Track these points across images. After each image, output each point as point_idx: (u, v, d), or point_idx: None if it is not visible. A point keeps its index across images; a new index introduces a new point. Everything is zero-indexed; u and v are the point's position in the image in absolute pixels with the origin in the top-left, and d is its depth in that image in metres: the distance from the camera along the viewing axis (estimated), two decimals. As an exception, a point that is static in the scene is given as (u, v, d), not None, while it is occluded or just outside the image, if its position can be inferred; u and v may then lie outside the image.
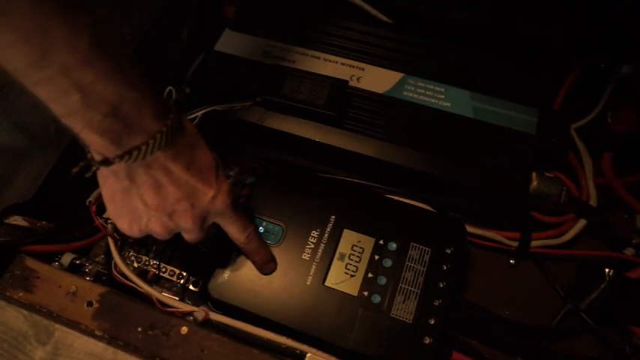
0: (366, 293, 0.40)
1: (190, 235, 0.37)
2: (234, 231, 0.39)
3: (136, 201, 0.33)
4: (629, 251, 0.46)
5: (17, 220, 0.45)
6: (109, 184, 0.34)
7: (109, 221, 0.45)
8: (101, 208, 0.47)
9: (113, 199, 0.34)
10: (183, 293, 0.44)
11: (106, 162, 0.30)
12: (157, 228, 0.35)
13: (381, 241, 0.42)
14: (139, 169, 0.32)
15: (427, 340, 0.38)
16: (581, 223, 0.47)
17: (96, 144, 0.29)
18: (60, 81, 0.26)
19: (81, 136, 0.29)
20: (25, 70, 0.25)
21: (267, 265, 0.41)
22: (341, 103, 0.48)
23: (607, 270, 0.43)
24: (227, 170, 0.48)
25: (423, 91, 0.50)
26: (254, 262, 0.41)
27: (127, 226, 0.35)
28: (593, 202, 0.48)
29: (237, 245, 0.40)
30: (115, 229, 0.45)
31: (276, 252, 0.42)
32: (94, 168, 0.31)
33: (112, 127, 0.28)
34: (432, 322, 0.39)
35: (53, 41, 0.25)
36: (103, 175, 0.34)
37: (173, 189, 0.33)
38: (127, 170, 0.32)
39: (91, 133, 0.28)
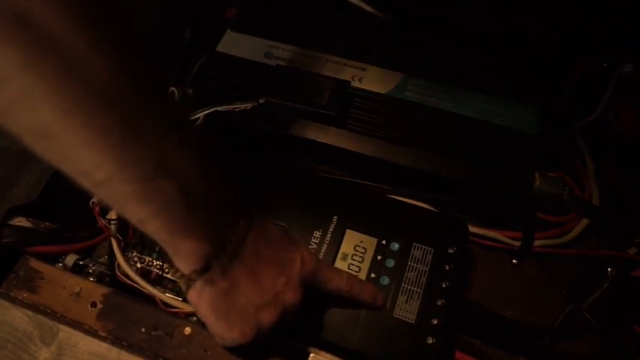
0: (368, 293, 0.40)
1: (297, 310, 0.35)
2: (333, 283, 0.37)
3: (240, 299, 0.32)
4: (631, 250, 0.46)
5: (21, 222, 0.45)
6: (207, 296, 0.32)
7: (112, 222, 0.45)
8: (104, 209, 0.47)
9: (216, 311, 0.32)
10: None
11: (205, 269, 0.30)
12: (268, 318, 0.33)
13: (384, 242, 0.43)
14: (234, 263, 0.31)
15: (430, 340, 0.38)
16: (584, 222, 0.47)
17: (194, 251, 0.29)
18: (168, 189, 0.26)
19: (178, 248, 0.29)
20: (134, 188, 0.25)
21: (378, 299, 0.40)
22: (343, 103, 0.48)
23: (610, 269, 0.43)
24: None
25: (424, 91, 0.50)
26: (365, 303, 0.39)
27: (239, 333, 0.33)
28: (595, 201, 0.48)
29: (342, 296, 0.38)
30: (118, 229, 0.45)
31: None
32: (188, 286, 0.31)
33: (210, 228, 0.29)
34: (435, 322, 0.39)
35: (171, 149, 0.25)
36: (198, 290, 0.31)
37: (267, 272, 0.32)
38: (222, 270, 0.31)
39: (191, 240, 0.29)
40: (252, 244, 0.32)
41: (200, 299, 0.32)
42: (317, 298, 0.40)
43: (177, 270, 0.31)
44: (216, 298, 0.32)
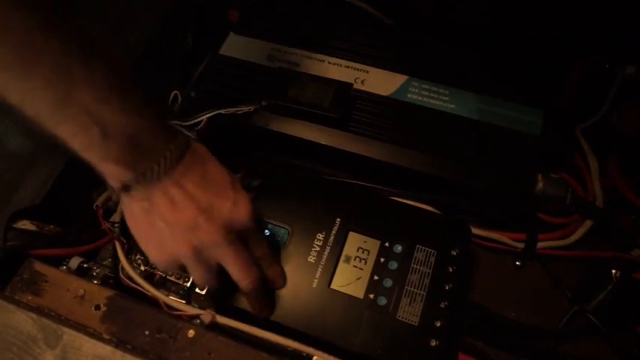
0: (372, 296, 0.40)
1: (226, 256, 0.36)
2: (252, 246, 0.38)
3: (158, 221, 0.34)
4: (635, 252, 0.46)
5: (26, 225, 0.45)
6: (131, 210, 0.34)
7: (116, 225, 0.45)
8: (108, 212, 0.47)
9: (138, 226, 0.35)
10: (189, 296, 0.44)
11: (125, 188, 0.32)
12: (184, 247, 0.34)
13: (387, 244, 0.43)
14: (155, 189, 0.33)
15: (433, 343, 0.38)
16: (588, 224, 0.47)
17: (114, 172, 0.31)
18: (81, 118, 0.28)
19: (99, 168, 0.31)
20: (48, 112, 0.28)
21: (277, 284, 0.41)
22: (345, 105, 0.48)
23: (614, 271, 0.43)
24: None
25: (427, 93, 0.50)
26: (268, 277, 0.40)
27: (156, 252, 0.35)
28: (599, 202, 0.48)
29: (254, 258, 0.39)
30: (122, 232, 0.45)
31: (281, 255, 0.42)
32: (114, 196, 0.33)
33: (129, 155, 0.30)
34: (438, 324, 0.39)
35: (75, 82, 0.27)
36: (125, 204, 0.35)
37: (189, 203, 0.33)
38: (144, 193, 0.33)
39: (109, 162, 0.30)
40: (179, 176, 0.33)
41: (127, 212, 0.35)
42: (318, 300, 0.40)
43: (108, 182, 0.33)
44: (137, 214, 0.34)
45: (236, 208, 0.35)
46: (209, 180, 0.34)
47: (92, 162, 0.31)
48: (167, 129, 0.33)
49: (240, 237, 0.36)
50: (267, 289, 0.40)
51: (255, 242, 0.38)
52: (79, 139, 0.29)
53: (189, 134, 0.36)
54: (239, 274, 0.37)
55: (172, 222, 0.34)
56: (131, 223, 0.35)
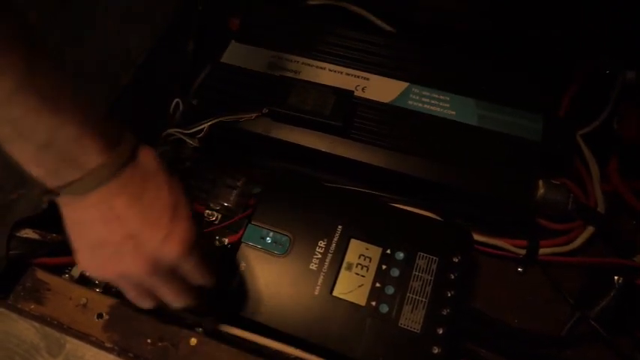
0: (373, 303, 0.40)
1: (153, 287, 0.33)
2: (191, 277, 0.34)
3: (87, 234, 0.31)
4: (638, 258, 0.46)
5: (29, 233, 0.45)
6: (65, 215, 0.32)
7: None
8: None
9: (71, 232, 0.32)
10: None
11: (50, 193, 0.30)
12: (109, 271, 0.32)
13: (389, 251, 0.43)
14: (86, 201, 0.30)
15: (436, 350, 0.38)
16: (589, 229, 0.47)
17: (35, 174, 0.29)
18: None
19: (21, 164, 0.29)
20: None
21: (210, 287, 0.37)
22: (346, 113, 0.48)
23: (616, 277, 0.43)
24: (230, 181, 0.47)
25: (427, 99, 0.51)
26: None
27: (84, 263, 0.32)
28: (600, 208, 0.48)
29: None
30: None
31: (283, 262, 0.42)
32: (44, 198, 0.31)
33: (47, 159, 0.28)
34: (441, 331, 0.39)
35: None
36: (60, 205, 0.32)
37: (117, 225, 0.31)
38: (76, 203, 0.31)
39: (27, 162, 0.29)
40: (110, 195, 0.30)
41: (62, 213, 0.32)
42: (320, 307, 0.40)
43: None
44: (68, 221, 0.32)
45: (167, 242, 0.31)
46: (145, 204, 0.31)
47: (14, 158, 0.29)
48: (105, 138, 0.30)
49: (170, 270, 0.32)
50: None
51: (192, 275, 0.34)
52: None
53: (140, 144, 0.32)
54: (169, 300, 0.34)
55: (99, 240, 0.31)
56: (66, 227, 0.32)
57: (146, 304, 0.35)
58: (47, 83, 0.27)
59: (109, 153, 0.30)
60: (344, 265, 0.42)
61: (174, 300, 0.34)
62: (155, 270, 0.31)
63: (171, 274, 0.33)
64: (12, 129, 0.27)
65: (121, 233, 0.31)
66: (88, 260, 0.32)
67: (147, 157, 0.32)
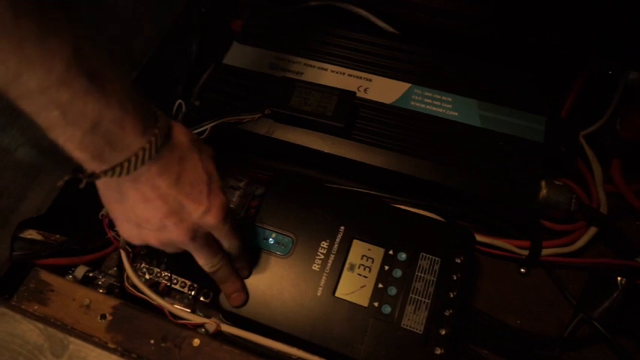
0: (376, 304, 0.40)
1: (192, 251, 0.36)
2: (223, 240, 0.38)
3: (129, 212, 0.33)
4: (640, 259, 0.46)
5: (32, 235, 0.45)
6: (104, 194, 0.34)
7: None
8: (113, 221, 0.47)
9: (111, 207, 0.35)
10: (194, 305, 0.45)
11: (93, 176, 0.30)
12: (152, 240, 0.35)
13: (391, 252, 0.43)
14: (127, 183, 0.32)
15: (438, 351, 0.38)
16: (592, 230, 0.47)
17: (79, 158, 0.30)
18: (37, 98, 0.26)
19: (67, 151, 0.29)
20: (5, 87, 0.26)
21: (243, 272, 0.42)
22: (349, 114, 0.48)
23: (619, 278, 0.43)
24: (233, 182, 0.48)
25: (430, 100, 0.51)
26: (235, 267, 0.41)
27: (126, 233, 0.35)
28: (603, 209, 0.48)
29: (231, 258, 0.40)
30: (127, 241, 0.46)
31: (286, 263, 0.43)
32: (83, 181, 0.31)
33: (93, 143, 0.29)
34: (443, 332, 0.39)
35: (27, 62, 0.25)
36: (98, 185, 0.34)
37: (161, 204, 0.33)
38: (115, 183, 0.32)
39: (73, 148, 0.29)
40: (152, 175, 0.31)
41: (101, 193, 0.34)
42: (322, 308, 0.40)
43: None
44: (110, 200, 0.34)
45: (207, 215, 0.34)
46: (184, 181, 0.33)
47: (57, 143, 0.29)
48: (145, 121, 0.30)
49: (206, 234, 0.36)
50: (239, 279, 0.41)
51: (224, 238, 0.38)
52: (41, 118, 0.27)
53: (172, 122, 0.33)
54: (202, 261, 0.38)
55: (142, 217, 0.33)
56: (104, 202, 0.35)
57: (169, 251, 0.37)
58: (93, 64, 0.27)
59: (150, 133, 0.31)
60: (346, 265, 0.42)
61: (204, 259, 0.37)
62: (195, 236, 0.35)
63: (207, 238, 0.36)
64: (60, 114, 0.27)
65: (164, 211, 0.33)
66: (134, 233, 0.35)
67: (180, 135, 0.33)
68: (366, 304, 0.40)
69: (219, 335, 0.41)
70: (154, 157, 0.31)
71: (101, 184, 0.33)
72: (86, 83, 0.27)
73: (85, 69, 0.27)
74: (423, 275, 0.41)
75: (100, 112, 0.28)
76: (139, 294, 0.43)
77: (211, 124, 0.49)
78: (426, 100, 0.51)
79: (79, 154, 0.29)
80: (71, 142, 0.29)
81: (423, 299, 0.40)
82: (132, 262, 0.45)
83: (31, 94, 0.26)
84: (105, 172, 0.30)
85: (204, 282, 0.45)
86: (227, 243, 0.38)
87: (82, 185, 0.31)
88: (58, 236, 0.46)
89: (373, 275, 0.42)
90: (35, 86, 0.26)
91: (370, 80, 0.52)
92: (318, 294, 0.41)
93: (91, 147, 0.29)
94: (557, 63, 0.53)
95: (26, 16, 0.24)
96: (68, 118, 0.27)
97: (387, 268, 0.42)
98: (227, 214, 0.36)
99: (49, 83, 0.26)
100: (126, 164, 0.30)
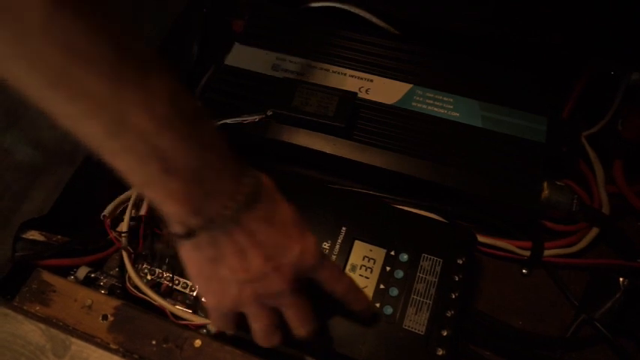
0: (378, 305, 0.40)
1: (289, 306, 0.33)
2: (332, 284, 0.35)
3: (224, 269, 0.31)
4: (643, 260, 0.46)
5: (34, 235, 0.45)
6: (194, 258, 0.31)
7: (123, 234, 0.46)
8: (115, 222, 0.47)
9: (200, 273, 0.32)
10: (196, 305, 0.45)
11: (190, 234, 0.28)
12: (247, 295, 0.32)
13: (393, 252, 0.43)
14: (222, 236, 0.29)
15: (440, 352, 0.38)
16: (594, 231, 0.47)
17: (177, 215, 0.28)
18: (138, 148, 0.24)
19: (161, 208, 0.28)
20: (102, 140, 0.24)
21: (367, 313, 0.38)
22: (350, 114, 0.48)
23: (621, 279, 0.43)
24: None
25: (431, 101, 0.51)
26: (355, 313, 0.38)
27: (216, 301, 0.32)
28: (605, 210, 0.48)
29: (337, 297, 0.36)
30: (129, 241, 0.46)
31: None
32: (176, 244, 0.29)
33: (194, 194, 0.27)
34: (445, 333, 0.39)
35: (131, 104, 0.23)
36: (186, 249, 0.31)
37: (257, 252, 0.30)
38: (209, 239, 0.29)
39: (172, 203, 0.27)
40: (250, 223, 0.29)
41: (188, 260, 0.31)
42: (324, 308, 0.40)
43: (165, 226, 0.30)
44: (201, 262, 0.31)
45: (304, 255, 0.32)
46: (278, 225, 0.31)
47: (154, 201, 0.27)
48: (237, 166, 0.29)
49: (304, 283, 0.33)
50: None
51: (333, 279, 0.35)
52: (138, 173, 0.25)
53: (257, 171, 0.31)
54: (297, 322, 0.34)
55: (239, 271, 0.31)
56: (191, 271, 0.32)
57: (275, 338, 0.34)
58: (190, 104, 0.26)
59: (244, 179, 0.29)
60: (348, 266, 0.42)
61: (300, 321, 0.34)
62: (294, 282, 0.32)
63: (304, 289, 0.33)
64: (161, 164, 0.25)
65: (260, 259, 0.30)
66: (229, 296, 0.32)
67: (265, 177, 0.31)
68: (367, 305, 0.40)
69: (221, 336, 0.41)
70: (250, 204, 0.29)
71: (189, 246, 0.30)
72: (187, 125, 0.25)
73: (184, 109, 0.25)
74: (424, 276, 0.41)
75: (201, 157, 0.26)
76: (140, 295, 0.43)
77: (213, 125, 0.49)
78: (427, 100, 0.51)
79: (178, 210, 0.27)
80: (171, 196, 0.26)
81: (424, 300, 0.40)
82: (134, 263, 0.45)
83: (130, 146, 0.24)
84: (204, 227, 0.28)
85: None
86: (337, 282, 0.35)
87: (172, 249, 0.29)
88: (59, 237, 0.46)
89: (375, 276, 0.42)
90: (137, 134, 0.24)
91: (371, 81, 0.52)
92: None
93: (192, 199, 0.27)
94: (557, 63, 0.53)
95: (126, 49, 0.23)
96: (170, 167, 0.25)
97: (388, 268, 0.42)
98: (322, 251, 0.34)
99: (151, 129, 0.24)
100: (226, 213, 0.28)
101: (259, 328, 0.33)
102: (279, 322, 0.34)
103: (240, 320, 0.34)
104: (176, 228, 0.29)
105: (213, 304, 0.33)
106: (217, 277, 0.31)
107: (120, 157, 0.25)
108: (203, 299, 0.33)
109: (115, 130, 0.24)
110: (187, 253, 0.31)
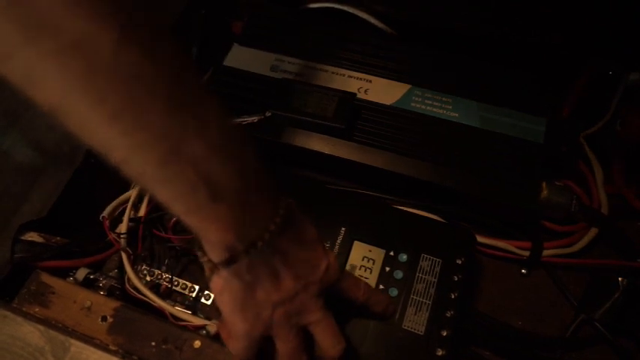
0: (377, 305, 0.40)
1: (319, 322, 0.33)
2: (351, 292, 0.36)
3: (259, 293, 0.31)
4: (642, 260, 0.46)
5: (33, 237, 0.45)
6: (229, 288, 0.31)
7: (122, 236, 0.45)
8: (114, 223, 0.47)
9: (236, 300, 0.31)
10: (195, 306, 0.45)
11: (232, 261, 0.28)
12: (280, 316, 0.32)
13: (392, 253, 0.43)
14: (261, 260, 0.29)
15: (440, 352, 0.38)
16: (593, 231, 0.47)
17: (221, 242, 0.27)
18: (188, 175, 0.24)
19: (205, 235, 0.27)
20: (153, 169, 0.24)
21: (389, 310, 0.39)
22: (349, 115, 0.48)
23: (621, 279, 0.43)
24: None
25: (430, 102, 0.51)
26: (376, 314, 0.39)
27: (250, 325, 0.32)
28: (604, 210, 0.48)
29: (358, 304, 0.37)
30: (128, 243, 0.46)
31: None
32: (213, 272, 0.29)
33: (239, 219, 0.27)
34: (445, 333, 0.39)
35: (187, 132, 0.23)
36: (223, 277, 0.30)
37: (289, 272, 0.31)
38: (248, 264, 0.29)
39: (217, 229, 0.27)
40: (283, 244, 0.30)
41: (223, 288, 0.31)
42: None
43: (204, 254, 0.30)
44: (238, 290, 0.31)
45: (329, 270, 0.33)
46: (306, 244, 0.32)
47: (197, 229, 0.27)
48: (274, 189, 0.29)
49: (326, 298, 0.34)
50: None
51: (354, 287, 0.36)
52: (184, 200, 0.25)
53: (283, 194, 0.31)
54: (329, 340, 0.34)
55: (272, 293, 0.31)
56: (226, 299, 0.32)
57: (299, 351, 0.34)
58: (236, 131, 0.26)
59: (280, 202, 0.29)
60: (347, 267, 0.42)
61: (332, 338, 0.34)
62: (320, 297, 0.33)
63: (329, 306, 0.34)
64: (209, 190, 0.25)
65: (291, 280, 0.31)
66: (262, 318, 0.32)
67: (291, 201, 0.31)
68: (367, 306, 0.40)
69: (220, 337, 0.41)
70: (285, 226, 0.29)
71: (227, 274, 0.30)
72: (235, 150, 0.25)
73: (233, 134, 0.25)
74: (424, 276, 0.41)
75: (247, 182, 0.26)
76: (140, 296, 0.43)
77: (212, 126, 0.49)
78: (426, 101, 0.51)
79: (223, 236, 0.27)
80: (216, 222, 0.26)
81: (424, 300, 0.40)
82: (133, 264, 0.45)
83: (181, 173, 0.24)
84: (246, 252, 0.28)
85: (205, 283, 0.45)
86: (357, 291, 0.36)
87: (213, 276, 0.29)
88: (59, 238, 0.46)
89: (374, 276, 0.42)
90: (188, 160, 0.24)
91: (370, 81, 0.52)
92: (319, 295, 0.41)
93: (237, 225, 0.27)
94: (557, 63, 0.53)
95: (183, 79, 0.23)
96: (218, 193, 0.25)
97: (388, 269, 0.42)
98: (339, 267, 0.34)
99: (201, 154, 0.24)
100: (267, 236, 0.28)
101: (287, 350, 0.33)
102: (306, 345, 0.34)
103: (260, 350, 0.34)
104: (218, 255, 0.29)
105: (246, 329, 0.32)
106: (252, 303, 0.31)
107: (167, 185, 0.25)
108: (229, 327, 0.33)
109: (168, 159, 0.24)
110: (224, 280, 0.31)
